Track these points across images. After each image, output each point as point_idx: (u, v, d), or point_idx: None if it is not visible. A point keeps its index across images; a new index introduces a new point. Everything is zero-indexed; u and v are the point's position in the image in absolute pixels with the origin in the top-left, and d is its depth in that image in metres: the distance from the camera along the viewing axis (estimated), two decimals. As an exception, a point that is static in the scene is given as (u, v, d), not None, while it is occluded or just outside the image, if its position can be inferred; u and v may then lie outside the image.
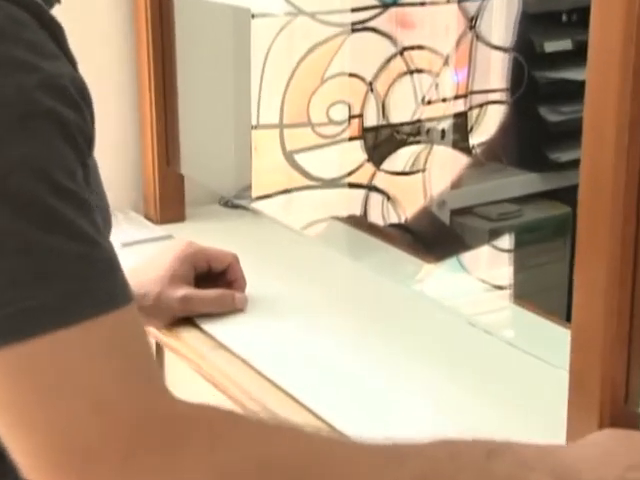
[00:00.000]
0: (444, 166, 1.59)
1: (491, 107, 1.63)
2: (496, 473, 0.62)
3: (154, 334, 1.04)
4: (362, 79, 1.50)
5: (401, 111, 1.54)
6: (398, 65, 1.52)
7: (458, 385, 0.90)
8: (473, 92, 1.60)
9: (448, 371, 0.92)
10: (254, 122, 1.36)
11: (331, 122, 1.46)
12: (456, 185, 1.60)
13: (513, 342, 0.94)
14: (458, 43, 1.56)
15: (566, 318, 0.82)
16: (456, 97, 1.58)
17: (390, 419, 0.84)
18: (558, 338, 0.80)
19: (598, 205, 0.67)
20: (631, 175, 0.65)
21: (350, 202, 1.52)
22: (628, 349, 0.69)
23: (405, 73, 1.53)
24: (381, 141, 1.54)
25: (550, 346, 0.91)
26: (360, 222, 1.49)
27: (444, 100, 1.57)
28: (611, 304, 0.68)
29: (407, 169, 1.57)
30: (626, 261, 0.67)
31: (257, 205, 1.34)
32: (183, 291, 1.02)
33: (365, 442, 0.62)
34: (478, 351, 0.96)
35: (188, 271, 1.04)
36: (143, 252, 1.14)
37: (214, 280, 1.06)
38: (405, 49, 1.51)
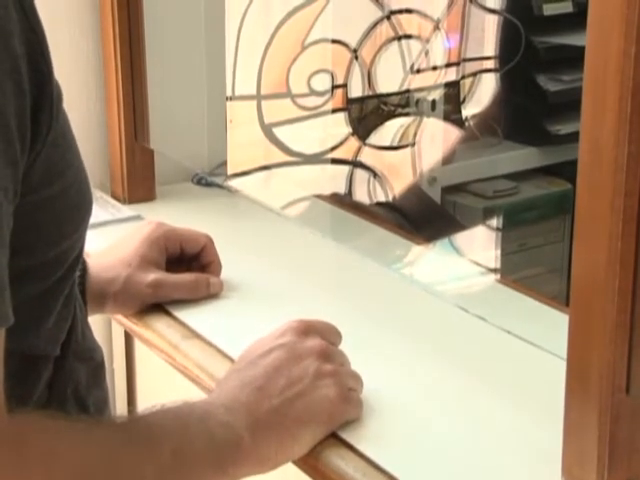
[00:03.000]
0: (435, 140, 1.60)
1: (485, 76, 1.63)
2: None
3: (122, 322, 1.04)
4: (346, 46, 1.50)
5: (388, 80, 1.54)
6: (385, 30, 1.52)
7: (450, 374, 0.90)
8: (466, 59, 1.61)
9: (439, 359, 0.93)
10: (229, 93, 1.36)
11: (312, 93, 1.46)
12: (448, 160, 1.60)
13: (508, 328, 0.94)
14: (450, 6, 1.56)
15: (566, 302, 0.83)
16: (447, 65, 1.58)
17: (376, 407, 0.84)
18: (557, 323, 0.81)
19: (599, 178, 0.67)
20: (634, 144, 0.65)
21: (334, 179, 1.52)
22: (630, 335, 0.69)
23: (393, 39, 1.53)
24: (367, 113, 1.54)
25: (548, 332, 0.92)
26: (344, 201, 1.49)
27: (435, 68, 1.57)
28: (612, 286, 0.68)
29: (395, 143, 1.57)
30: (628, 239, 0.67)
31: (233, 183, 1.34)
32: (153, 275, 1.02)
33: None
34: (470, 338, 0.97)
35: (159, 254, 1.04)
36: (110, 234, 1.13)
37: (187, 264, 1.06)
38: (392, 13, 1.52)
